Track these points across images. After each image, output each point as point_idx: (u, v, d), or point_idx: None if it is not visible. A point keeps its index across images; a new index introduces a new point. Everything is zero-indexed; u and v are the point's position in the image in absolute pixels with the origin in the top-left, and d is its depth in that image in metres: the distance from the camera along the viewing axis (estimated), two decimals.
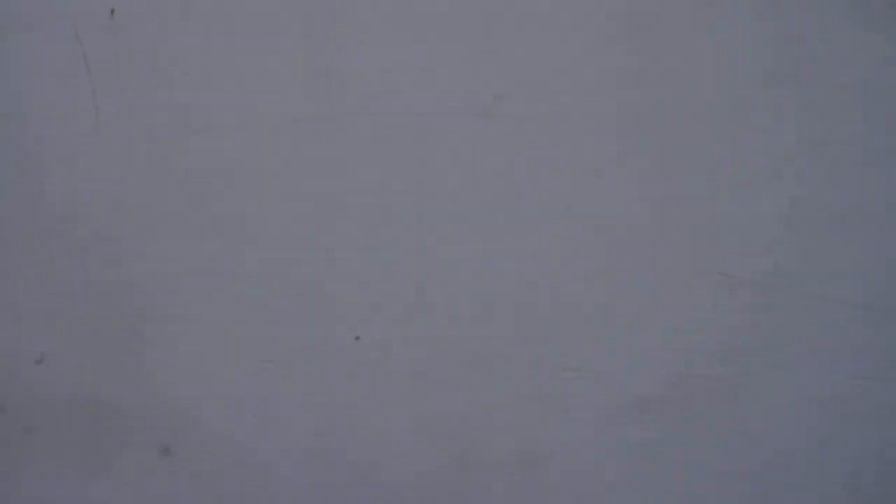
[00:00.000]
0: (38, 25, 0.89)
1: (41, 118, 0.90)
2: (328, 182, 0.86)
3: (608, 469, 0.83)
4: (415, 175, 0.85)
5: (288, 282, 0.85)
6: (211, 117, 0.89)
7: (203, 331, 0.86)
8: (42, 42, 0.89)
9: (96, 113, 0.90)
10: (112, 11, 0.88)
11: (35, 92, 0.91)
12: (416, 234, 0.85)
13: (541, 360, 0.84)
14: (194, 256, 0.87)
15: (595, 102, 0.86)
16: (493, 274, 0.85)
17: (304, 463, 0.86)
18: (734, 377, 0.82)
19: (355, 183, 0.86)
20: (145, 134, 0.89)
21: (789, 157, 0.83)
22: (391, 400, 0.85)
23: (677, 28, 0.82)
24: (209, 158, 0.88)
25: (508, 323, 0.85)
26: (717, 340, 0.82)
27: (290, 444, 0.86)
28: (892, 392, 0.80)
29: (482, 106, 0.85)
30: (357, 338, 0.85)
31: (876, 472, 0.81)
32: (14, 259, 0.91)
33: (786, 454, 0.82)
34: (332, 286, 0.85)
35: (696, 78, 0.85)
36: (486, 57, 0.85)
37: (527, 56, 0.84)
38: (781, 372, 0.82)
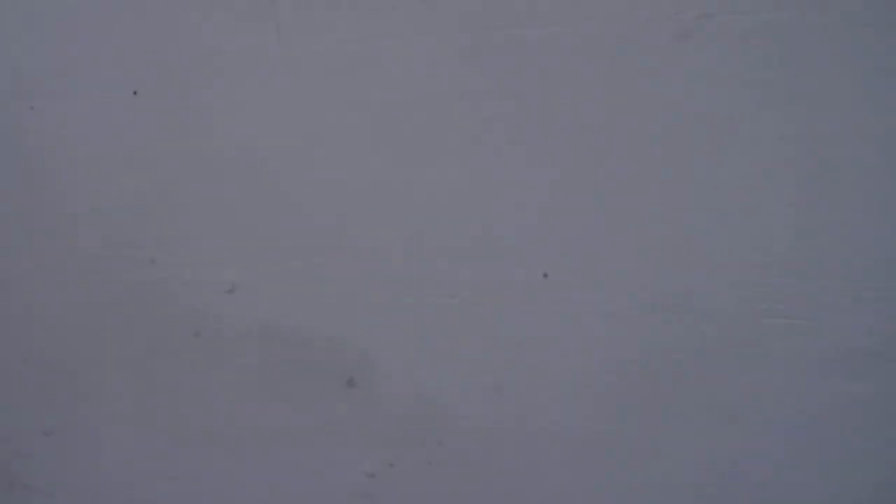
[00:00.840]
0: None
1: (231, 51, 0.91)
2: (521, 119, 0.82)
3: (811, 423, 0.77)
4: (611, 103, 0.79)
5: (475, 218, 0.83)
6: (383, 45, 0.86)
7: (389, 267, 0.85)
8: None
9: (279, 45, 0.90)
10: None
11: (223, 26, 0.92)
12: (608, 166, 0.80)
13: (743, 306, 0.78)
14: (381, 191, 0.86)
15: (804, 21, 0.77)
16: (693, 211, 0.79)
17: (484, 401, 0.85)
18: None
19: (546, 114, 0.81)
20: (328, 67, 0.88)
21: None
22: (578, 340, 0.82)
23: None
24: (386, 86, 0.86)
25: (708, 265, 0.78)
26: None
27: (471, 381, 0.85)
28: None
29: (682, 27, 0.78)
30: (545, 275, 0.81)
31: None
32: (208, 193, 0.93)
33: None
34: (522, 221, 0.82)
35: None
36: None
37: None
38: None
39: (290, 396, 0.91)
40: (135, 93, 0.97)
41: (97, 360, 1.02)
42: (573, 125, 0.79)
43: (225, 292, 0.92)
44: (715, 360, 0.79)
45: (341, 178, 0.87)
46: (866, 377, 0.77)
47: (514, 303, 0.83)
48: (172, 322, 0.97)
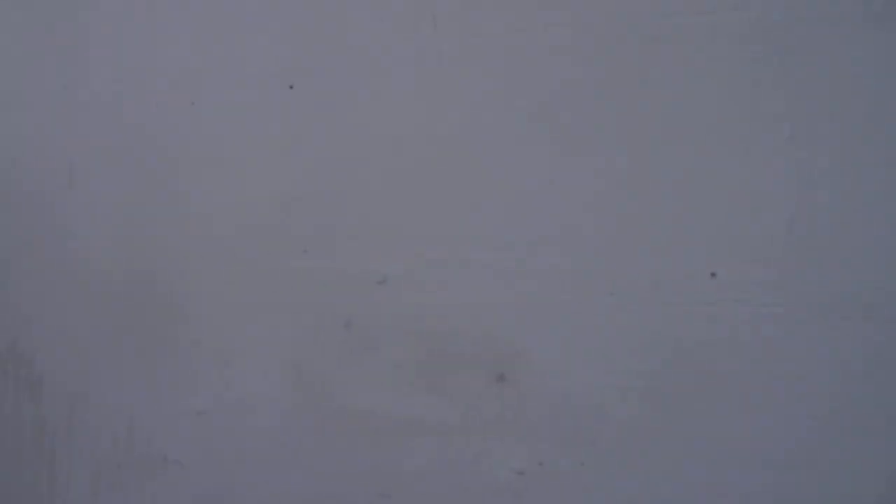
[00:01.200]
0: None
1: (388, 45, 0.92)
2: (688, 112, 0.78)
3: None
4: (800, 93, 0.75)
5: (638, 212, 0.80)
6: (540, 37, 0.85)
7: (544, 261, 0.84)
8: None
9: (436, 39, 0.90)
10: None
11: (380, 20, 0.93)
12: (786, 160, 0.75)
13: None
14: (536, 184, 0.84)
15: None
16: (878, 209, 0.73)
17: (641, 402, 0.82)
18: None
19: (718, 107, 0.77)
20: (485, 59, 0.87)
21: None
22: (744, 344, 0.78)
23: None
24: (543, 79, 0.85)
25: (893, 268, 0.73)
26: None
27: (628, 381, 0.82)
28: None
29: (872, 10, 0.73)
30: (713, 274, 0.78)
31: None
32: (361, 184, 0.95)
33: None
34: (690, 218, 0.78)
35: None
36: None
37: None
38: None
39: (439, 389, 0.91)
40: (291, 87, 1.00)
41: (249, 345, 1.06)
42: (752, 118, 0.75)
43: (376, 283, 0.93)
44: (890, 371, 0.73)
45: (496, 170, 0.86)
46: None
47: (678, 302, 0.79)
48: (323, 311, 0.99)
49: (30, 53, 1.35)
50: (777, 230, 0.76)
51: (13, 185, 1.42)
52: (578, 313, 0.83)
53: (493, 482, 0.88)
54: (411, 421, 0.92)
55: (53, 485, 1.39)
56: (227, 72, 1.05)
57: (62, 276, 1.32)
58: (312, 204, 0.98)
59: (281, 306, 1.02)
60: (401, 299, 0.92)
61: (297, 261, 1.00)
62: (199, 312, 1.12)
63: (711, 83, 0.77)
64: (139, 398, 1.22)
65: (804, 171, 0.75)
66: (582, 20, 0.83)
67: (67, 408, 1.34)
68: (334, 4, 0.96)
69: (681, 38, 0.78)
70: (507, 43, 0.86)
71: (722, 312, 0.78)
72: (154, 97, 1.14)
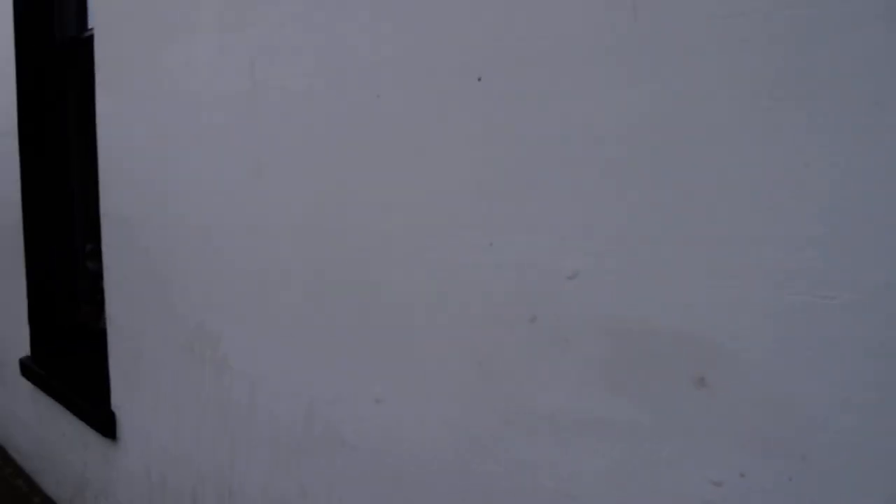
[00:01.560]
0: None
1: (585, 33, 0.90)
2: (880, 104, 0.71)
3: None
4: None
5: (863, 206, 0.73)
6: (743, 21, 0.79)
7: (754, 256, 0.78)
8: None
9: (636, 24, 0.86)
10: None
11: (575, 7, 0.90)
12: None
13: None
14: (735, 175, 0.79)
15: None
16: None
17: (864, 416, 0.74)
18: None
19: None
20: (688, 46, 0.83)
21: None
22: None
23: None
24: (756, 63, 0.79)
25: None
26: None
27: (847, 392, 0.75)
28: None
29: None
30: None
31: None
32: (550, 177, 0.93)
33: None
34: None
35: None
36: None
37: None
38: None
39: (630, 390, 0.87)
40: (479, 79, 0.99)
41: (431, 336, 1.07)
42: None
43: (566, 278, 0.91)
44: None
45: (698, 164, 0.82)
46: None
47: None
48: (507, 305, 0.98)
49: (218, 51, 1.43)
50: None
51: (201, 175, 1.52)
52: (794, 315, 0.77)
53: (686, 491, 0.84)
54: (599, 421, 0.90)
55: (233, 462, 1.47)
56: (413, 64, 1.07)
57: (249, 262, 1.40)
58: (499, 197, 0.98)
59: (465, 298, 1.02)
60: (592, 295, 0.89)
61: (482, 254, 1.00)
62: (381, 302, 1.14)
63: None
64: (319, 383, 1.26)
65: None
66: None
67: (249, 389, 1.42)
68: None
69: None
70: (711, 29, 0.82)
71: None
72: (340, 90, 1.18)
